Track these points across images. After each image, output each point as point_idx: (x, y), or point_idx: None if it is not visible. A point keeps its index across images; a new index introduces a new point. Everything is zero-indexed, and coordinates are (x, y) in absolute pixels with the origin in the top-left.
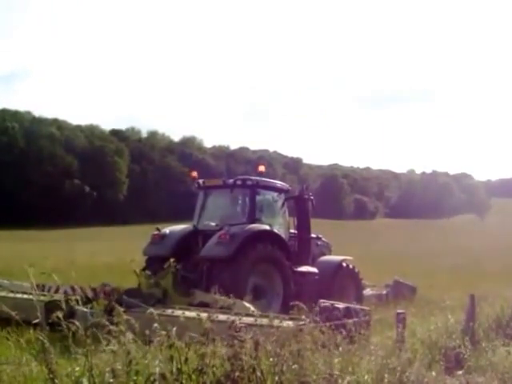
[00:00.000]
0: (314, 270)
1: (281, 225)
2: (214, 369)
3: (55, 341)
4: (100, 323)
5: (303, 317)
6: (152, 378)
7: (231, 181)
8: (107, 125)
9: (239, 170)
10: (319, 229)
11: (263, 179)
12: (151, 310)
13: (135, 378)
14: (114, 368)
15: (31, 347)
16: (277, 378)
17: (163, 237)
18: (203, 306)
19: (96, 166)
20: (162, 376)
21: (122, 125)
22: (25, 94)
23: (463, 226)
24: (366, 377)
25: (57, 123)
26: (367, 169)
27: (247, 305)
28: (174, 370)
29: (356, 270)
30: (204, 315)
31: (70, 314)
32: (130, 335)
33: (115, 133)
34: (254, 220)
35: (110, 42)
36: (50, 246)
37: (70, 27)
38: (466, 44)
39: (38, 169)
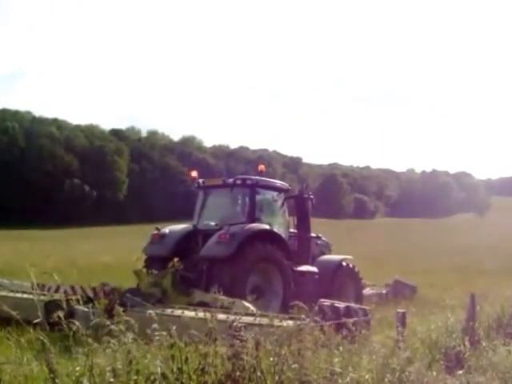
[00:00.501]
0: (313, 269)
1: (280, 224)
2: (215, 368)
3: (56, 340)
4: (101, 323)
5: (303, 316)
6: (153, 378)
7: (231, 180)
8: (107, 124)
9: (239, 170)
10: (319, 228)
11: (263, 179)
12: (151, 310)
13: (136, 377)
14: (114, 367)
15: (31, 347)
16: (277, 378)
17: (163, 236)
18: (203, 305)
19: (96, 165)
20: (163, 375)
21: (121, 124)
22: (25, 93)
23: (463, 225)
24: (366, 376)
25: (57, 123)
26: (367, 168)
27: (247, 304)
28: (175, 369)
29: (356, 269)
30: (207, 315)
31: (71, 314)
32: (130, 335)
33: (115, 132)
34: (253, 219)
35: (110, 42)
36: (50, 245)
37: (70, 27)
38: (466, 44)
39: (38, 169)
